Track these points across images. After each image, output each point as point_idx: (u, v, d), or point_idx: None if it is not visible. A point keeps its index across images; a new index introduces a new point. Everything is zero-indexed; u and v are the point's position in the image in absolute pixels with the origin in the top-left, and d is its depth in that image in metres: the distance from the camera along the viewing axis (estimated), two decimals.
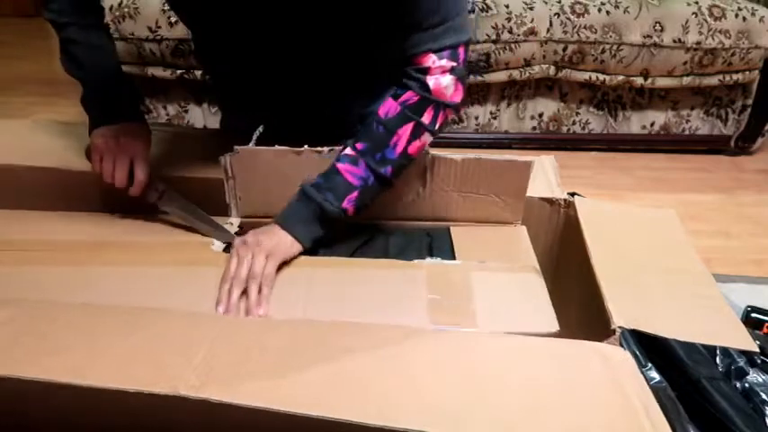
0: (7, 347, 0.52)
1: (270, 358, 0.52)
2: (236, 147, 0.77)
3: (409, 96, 0.72)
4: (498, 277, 0.70)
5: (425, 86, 0.71)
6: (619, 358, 0.54)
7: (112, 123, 0.77)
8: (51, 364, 0.50)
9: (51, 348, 0.52)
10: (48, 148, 0.86)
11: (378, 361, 0.52)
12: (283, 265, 0.70)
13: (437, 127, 0.73)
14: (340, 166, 0.72)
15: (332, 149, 0.76)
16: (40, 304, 0.59)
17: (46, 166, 0.81)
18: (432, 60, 0.70)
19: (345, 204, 0.71)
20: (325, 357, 0.52)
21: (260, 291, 0.65)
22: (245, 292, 0.65)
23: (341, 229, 0.77)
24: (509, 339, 0.57)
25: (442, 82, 0.71)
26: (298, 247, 0.72)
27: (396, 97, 0.72)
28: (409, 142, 0.72)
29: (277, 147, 0.77)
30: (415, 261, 0.73)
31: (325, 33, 0.75)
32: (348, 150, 0.73)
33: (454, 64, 0.71)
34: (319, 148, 0.76)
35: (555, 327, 0.62)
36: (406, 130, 0.71)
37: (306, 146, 0.76)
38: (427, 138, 0.73)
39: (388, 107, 0.72)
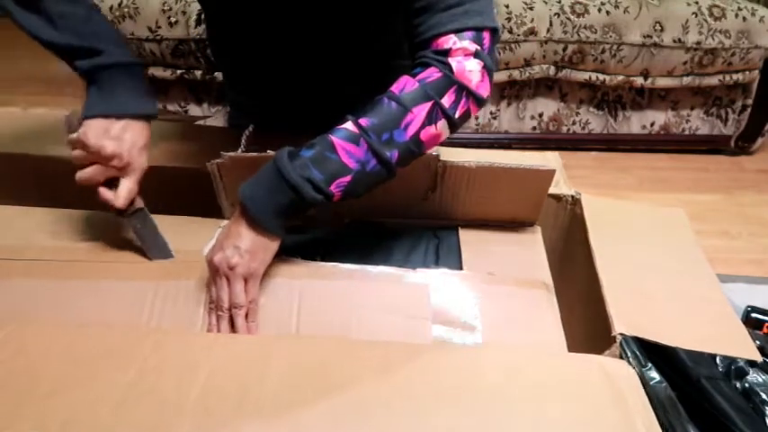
0: None
1: (269, 391, 0.50)
2: (222, 153, 0.71)
3: (430, 73, 0.60)
4: (506, 294, 0.66)
5: (448, 66, 0.60)
6: (622, 374, 0.54)
7: (118, 117, 0.64)
8: (42, 414, 0.47)
9: (42, 392, 0.49)
10: (19, 135, 0.82)
11: (382, 385, 0.51)
12: (271, 270, 0.63)
13: (457, 116, 0.61)
14: (336, 140, 0.59)
15: None
16: (29, 333, 0.55)
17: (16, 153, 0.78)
18: (452, 41, 0.61)
19: (333, 188, 0.58)
20: (328, 387, 0.50)
21: (247, 316, 0.60)
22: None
23: (342, 231, 0.75)
24: (512, 355, 0.56)
25: (467, 65, 0.60)
26: (275, 245, 0.62)
27: (414, 75, 0.61)
28: (423, 126, 0.60)
29: (269, 152, 0.69)
30: (419, 271, 0.68)
31: (335, 21, 0.73)
32: (349, 125, 0.59)
33: (478, 47, 0.61)
34: None
35: (563, 351, 0.60)
36: (423, 109, 0.59)
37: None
38: (443, 127, 0.61)
39: (403, 83, 0.61)
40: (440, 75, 0.60)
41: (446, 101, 0.60)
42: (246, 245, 0.59)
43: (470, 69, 0.60)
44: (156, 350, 0.53)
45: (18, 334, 0.55)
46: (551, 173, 0.72)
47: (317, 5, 0.72)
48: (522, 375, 0.53)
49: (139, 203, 0.68)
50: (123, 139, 0.64)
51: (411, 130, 0.60)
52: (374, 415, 0.48)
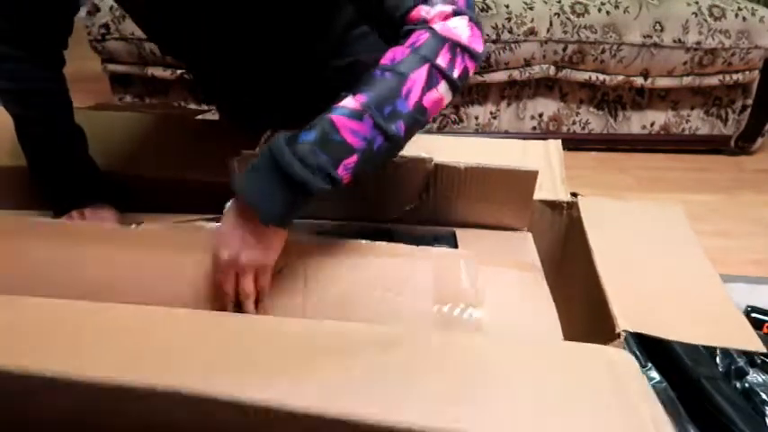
0: (9, 344, 0.52)
1: (275, 358, 0.51)
2: (243, 151, 0.75)
3: (417, 37, 0.56)
4: (503, 273, 0.68)
5: (432, 30, 0.57)
6: (624, 362, 0.54)
7: (79, 207, 0.75)
8: (54, 360, 0.50)
9: (55, 346, 0.52)
10: None
11: (380, 359, 0.52)
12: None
13: (456, 75, 0.57)
14: (338, 118, 0.54)
15: None
16: (44, 303, 0.58)
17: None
18: (424, 11, 0.57)
19: (341, 172, 0.54)
20: (325, 357, 0.52)
21: (257, 302, 0.60)
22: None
23: (344, 233, 0.76)
24: (514, 343, 0.56)
25: (450, 24, 0.57)
26: (284, 234, 0.59)
27: (401, 43, 0.57)
28: (424, 92, 0.56)
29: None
30: (422, 248, 0.68)
31: (271, 21, 0.73)
32: (349, 101, 0.55)
33: (453, 6, 0.57)
34: None
35: (558, 334, 0.61)
36: (420, 74, 0.55)
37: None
38: (445, 90, 0.57)
39: (392, 53, 0.57)
40: (427, 35, 0.56)
41: (441, 61, 0.56)
42: (255, 240, 0.57)
43: (455, 26, 0.57)
44: (166, 322, 0.56)
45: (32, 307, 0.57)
46: (534, 174, 0.74)
47: (252, 8, 0.71)
48: (523, 361, 0.53)
49: (137, 222, 0.72)
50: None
51: (413, 98, 0.56)
52: (373, 384, 0.49)
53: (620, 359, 0.54)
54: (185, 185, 0.82)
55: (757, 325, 0.85)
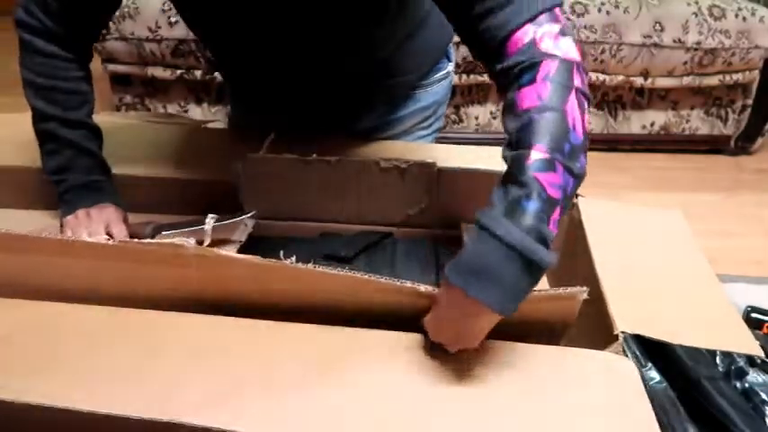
0: (4, 365, 0.51)
1: (274, 384, 0.50)
2: (247, 154, 0.77)
3: (546, 68, 0.52)
4: None
5: (552, 55, 0.53)
6: (624, 370, 0.54)
7: (87, 207, 0.74)
8: (49, 388, 0.48)
9: (49, 368, 0.51)
10: None
11: (384, 371, 0.52)
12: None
13: (588, 91, 0.55)
14: (540, 176, 0.48)
15: (339, 159, 0.76)
16: (40, 317, 0.57)
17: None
18: (532, 31, 0.53)
19: (552, 228, 0.49)
20: (331, 368, 0.51)
21: None
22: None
23: (347, 236, 0.77)
24: (512, 348, 0.56)
25: (564, 47, 0.53)
26: (495, 320, 0.51)
27: (529, 82, 0.52)
28: (582, 118, 0.52)
29: (286, 155, 0.77)
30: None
31: (324, 24, 0.72)
32: (537, 154, 0.49)
33: (559, 25, 0.54)
34: (328, 158, 0.77)
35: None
36: (572, 103, 0.52)
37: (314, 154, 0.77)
38: (587, 109, 0.55)
39: (533, 91, 0.52)
40: (556, 63, 0.52)
41: (578, 82, 0.53)
42: (472, 323, 0.51)
43: (568, 47, 0.54)
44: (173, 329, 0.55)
45: (30, 321, 0.56)
46: None
47: (310, 13, 0.71)
48: (521, 368, 0.53)
49: (152, 224, 0.76)
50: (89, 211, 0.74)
51: (579, 128, 0.52)
52: (372, 405, 0.49)
53: (620, 366, 0.54)
54: (189, 186, 0.82)
55: (757, 325, 0.85)
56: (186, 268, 0.57)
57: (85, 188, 0.76)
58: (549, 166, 0.49)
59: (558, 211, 0.50)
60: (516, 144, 0.51)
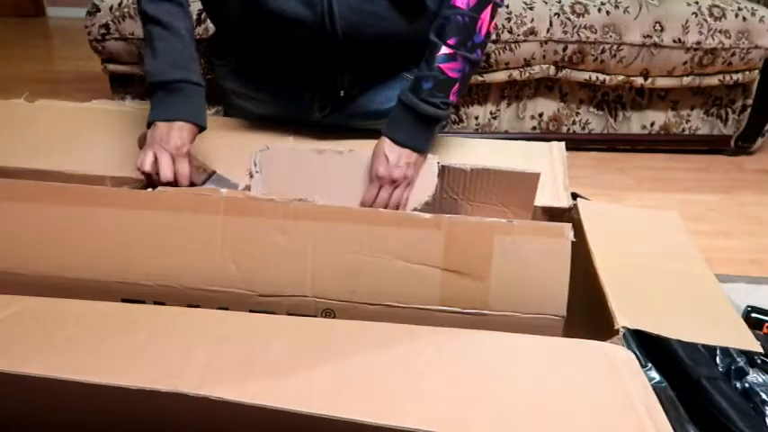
0: (11, 343, 0.52)
1: (274, 357, 0.52)
2: (267, 145, 0.80)
3: None
4: (522, 242, 0.64)
5: None
6: (622, 358, 0.54)
7: (171, 120, 0.79)
8: (54, 362, 0.50)
9: (55, 346, 0.52)
10: None
11: (383, 360, 0.52)
12: (286, 220, 0.65)
13: (505, 2, 0.82)
14: (442, 66, 0.78)
15: (351, 150, 0.80)
16: (46, 301, 0.59)
17: None
18: None
19: (452, 98, 0.80)
20: (329, 356, 0.52)
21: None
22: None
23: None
24: (513, 338, 0.57)
25: None
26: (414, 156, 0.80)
27: None
28: (489, 23, 0.80)
29: (299, 146, 0.81)
30: (434, 216, 0.66)
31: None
32: (444, 49, 0.78)
33: None
34: (340, 149, 0.80)
35: (563, 311, 0.62)
36: (487, 12, 0.79)
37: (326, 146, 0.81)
38: (495, 15, 0.82)
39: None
40: None
41: None
42: (416, 168, 0.80)
43: None
44: (164, 318, 0.57)
45: (35, 303, 0.58)
46: (536, 176, 0.79)
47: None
48: (523, 357, 0.54)
49: (208, 170, 0.82)
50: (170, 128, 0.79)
51: (483, 30, 0.80)
52: (373, 383, 0.49)
53: (619, 355, 0.54)
54: None
55: (757, 325, 0.85)
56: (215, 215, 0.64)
57: (177, 93, 0.82)
58: (451, 57, 0.79)
59: (456, 85, 0.80)
60: (438, 30, 0.80)
